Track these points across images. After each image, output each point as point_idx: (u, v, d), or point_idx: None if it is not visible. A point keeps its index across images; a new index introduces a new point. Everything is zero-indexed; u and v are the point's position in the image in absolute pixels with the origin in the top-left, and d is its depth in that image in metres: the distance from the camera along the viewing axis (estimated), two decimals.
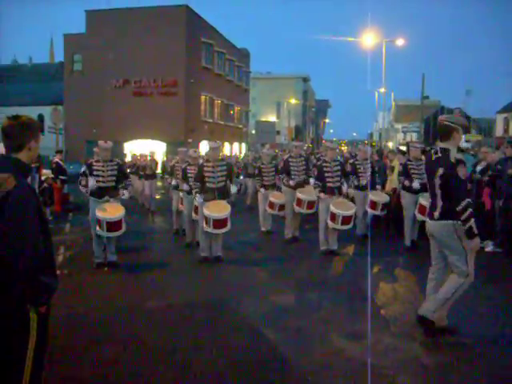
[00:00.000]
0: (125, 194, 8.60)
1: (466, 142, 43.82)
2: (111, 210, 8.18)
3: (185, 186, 9.95)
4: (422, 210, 9.28)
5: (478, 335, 5.32)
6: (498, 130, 56.39)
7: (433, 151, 5.16)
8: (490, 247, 9.32)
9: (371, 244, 9.04)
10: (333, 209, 9.03)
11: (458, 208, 4.79)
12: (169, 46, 34.90)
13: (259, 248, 10.28)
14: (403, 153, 11.68)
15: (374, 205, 10.39)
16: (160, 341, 5.21)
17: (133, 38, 34.98)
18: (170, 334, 5.43)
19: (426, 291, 5.42)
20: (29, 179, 2.96)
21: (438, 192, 5.03)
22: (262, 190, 11.57)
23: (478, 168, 10.03)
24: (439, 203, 5.03)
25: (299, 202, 10.19)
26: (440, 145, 5.11)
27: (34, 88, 43.23)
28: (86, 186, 8.35)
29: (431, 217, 5.18)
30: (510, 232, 8.90)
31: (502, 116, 55.62)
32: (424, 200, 9.23)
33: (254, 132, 58.15)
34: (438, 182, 5.01)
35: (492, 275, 7.92)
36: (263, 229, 11.82)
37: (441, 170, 4.97)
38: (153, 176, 16.31)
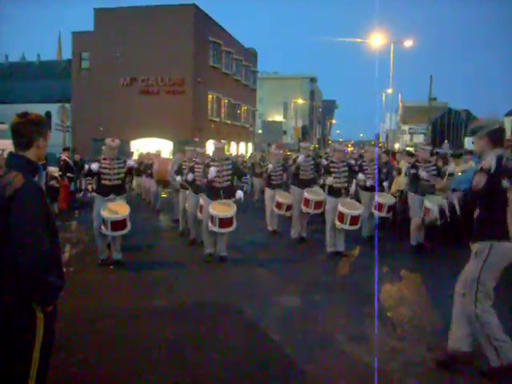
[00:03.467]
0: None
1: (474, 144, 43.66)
2: (116, 209, 8.17)
3: (189, 176, 9.79)
4: (426, 212, 9.26)
5: None
6: (506, 133, 56.18)
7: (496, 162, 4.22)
8: None
9: (377, 246, 9.01)
10: (341, 208, 8.99)
11: None
12: (176, 44, 34.87)
13: (265, 248, 10.25)
14: (411, 154, 11.64)
15: (380, 207, 10.36)
16: (165, 340, 5.20)
17: (140, 36, 35.00)
18: (175, 333, 5.42)
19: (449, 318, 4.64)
20: (36, 177, 2.95)
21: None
22: (270, 189, 11.55)
23: None
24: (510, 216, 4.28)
25: (306, 202, 10.16)
26: (496, 151, 4.30)
27: (41, 85, 43.28)
28: (93, 190, 8.35)
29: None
30: None
31: (510, 118, 55.35)
32: (429, 203, 9.20)
33: (260, 132, 58.14)
34: None
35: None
36: (270, 228, 11.79)
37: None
38: None
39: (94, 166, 8.22)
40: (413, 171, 9.44)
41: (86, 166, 8.75)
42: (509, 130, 55.22)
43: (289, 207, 11.02)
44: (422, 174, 9.28)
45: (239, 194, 8.80)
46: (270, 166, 11.53)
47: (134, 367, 4.58)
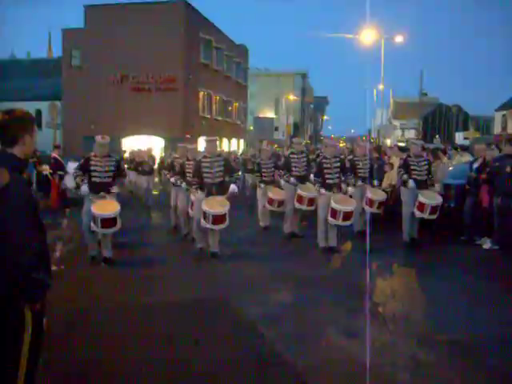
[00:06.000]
0: (114, 188, 8.49)
1: (465, 139, 43.81)
2: (106, 207, 8.11)
3: (172, 179, 10.55)
4: (420, 207, 9.28)
5: (475, 332, 5.32)
6: (496, 128, 56.34)
7: None
8: (487, 244, 9.30)
9: (369, 241, 9.02)
10: (334, 205, 8.97)
11: None
12: (167, 41, 34.73)
13: (257, 244, 10.23)
14: (402, 149, 11.67)
15: (370, 202, 10.39)
16: (157, 337, 5.19)
17: (131, 33, 34.80)
18: (167, 330, 5.40)
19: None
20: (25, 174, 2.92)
21: None
22: (262, 185, 11.54)
23: (475, 165, 9.98)
24: None
25: (300, 199, 10.14)
26: None
27: (32, 83, 43.03)
28: (78, 187, 8.29)
29: None
30: (507, 229, 8.87)
31: (501, 113, 55.53)
32: (423, 197, 9.22)
33: (252, 128, 58.05)
34: None
35: (488, 272, 7.92)
36: (261, 224, 11.77)
37: None
38: (150, 171, 16.39)
39: (85, 188, 8.16)
40: (405, 177, 9.47)
41: (70, 164, 8.68)
42: (499, 125, 55.51)
43: (280, 203, 11.02)
44: (411, 184, 9.32)
45: (233, 187, 8.82)
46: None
47: (128, 363, 4.56)
